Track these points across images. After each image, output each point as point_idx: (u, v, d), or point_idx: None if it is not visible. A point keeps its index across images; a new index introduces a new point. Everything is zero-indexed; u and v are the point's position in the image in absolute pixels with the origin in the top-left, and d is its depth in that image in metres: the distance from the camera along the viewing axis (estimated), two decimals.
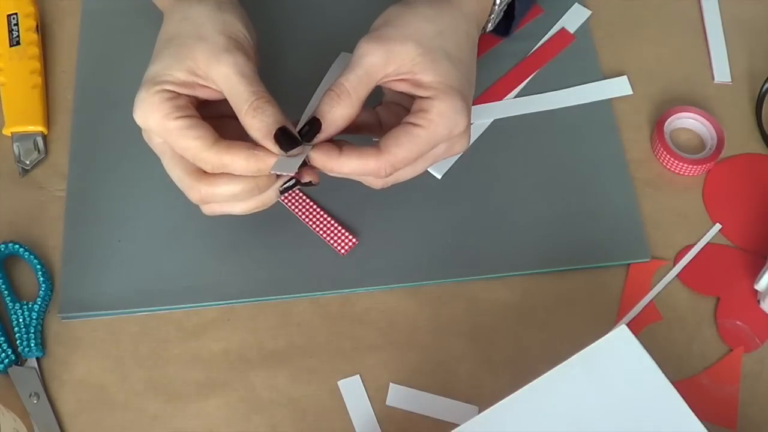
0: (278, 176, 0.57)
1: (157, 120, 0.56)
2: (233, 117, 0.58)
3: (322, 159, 0.57)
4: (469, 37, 0.62)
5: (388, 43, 0.58)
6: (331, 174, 0.58)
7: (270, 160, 0.56)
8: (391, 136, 0.57)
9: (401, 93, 0.60)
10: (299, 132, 0.57)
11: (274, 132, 0.55)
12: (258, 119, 0.56)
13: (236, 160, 0.55)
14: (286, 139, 0.56)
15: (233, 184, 0.57)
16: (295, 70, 0.74)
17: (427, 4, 0.60)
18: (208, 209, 0.59)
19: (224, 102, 0.58)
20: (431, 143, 0.58)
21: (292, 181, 0.58)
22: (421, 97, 0.59)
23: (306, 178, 0.58)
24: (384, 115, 0.62)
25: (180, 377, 0.63)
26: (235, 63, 0.57)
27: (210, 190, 0.57)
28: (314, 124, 0.57)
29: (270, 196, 0.59)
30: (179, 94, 0.57)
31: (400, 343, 0.64)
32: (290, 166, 0.56)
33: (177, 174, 0.58)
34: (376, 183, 0.60)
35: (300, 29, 0.76)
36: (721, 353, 0.64)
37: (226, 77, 0.57)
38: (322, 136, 0.57)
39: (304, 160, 0.57)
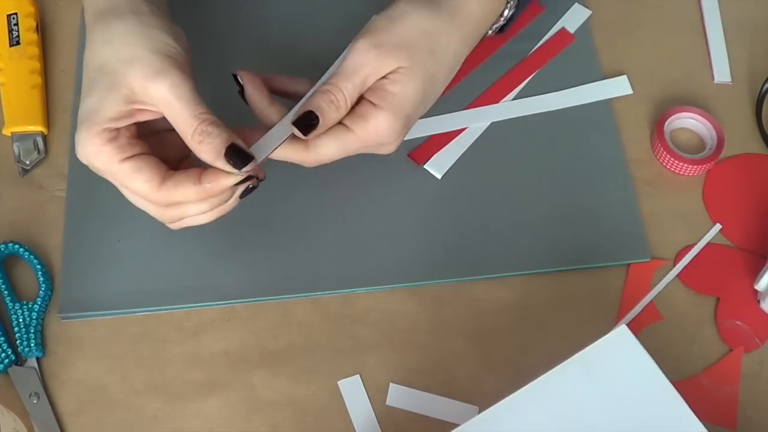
0: (238, 184, 0.56)
1: (102, 162, 0.55)
2: (172, 129, 0.56)
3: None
4: (456, 58, 0.63)
5: (386, 53, 0.58)
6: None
7: (221, 182, 0.54)
8: (324, 137, 0.59)
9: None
10: (300, 118, 0.57)
11: (223, 152, 0.54)
12: (205, 143, 0.54)
13: (187, 195, 0.55)
14: (238, 156, 0.54)
15: (200, 204, 0.56)
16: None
17: (430, 16, 0.61)
18: (174, 226, 0.59)
19: (162, 118, 0.56)
20: (358, 149, 0.60)
21: (251, 184, 0.57)
22: (367, 101, 0.59)
23: (261, 175, 0.58)
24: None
25: (180, 377, 0.63)
26: (172, 85, 0.54)
27: (176, 213, 0.57)
28: (317, 122, 0.58)
29: (231, 204, 0.58)
30: (119, 129, 0.55)
31: (400, 343, 0.64)
32: (272, 144, 0.57)
33: (142, 205, 0.57)
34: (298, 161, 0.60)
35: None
36: (721, 353, 0.64)
37: (166, 103, 0.54)
38: (316, 132, 0.58)
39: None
